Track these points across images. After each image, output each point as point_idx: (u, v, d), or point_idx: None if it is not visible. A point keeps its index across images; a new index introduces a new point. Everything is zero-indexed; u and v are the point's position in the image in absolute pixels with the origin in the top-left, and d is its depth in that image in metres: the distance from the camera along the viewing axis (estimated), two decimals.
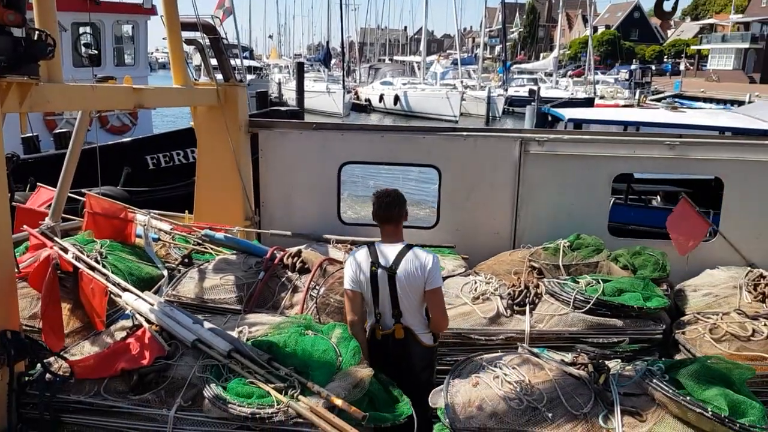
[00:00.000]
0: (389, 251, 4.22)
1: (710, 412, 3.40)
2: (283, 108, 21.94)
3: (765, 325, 4.90)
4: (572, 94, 47.18)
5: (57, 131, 12.91)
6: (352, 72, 62.60)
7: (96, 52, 14.05)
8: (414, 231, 7.62)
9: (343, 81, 46.44)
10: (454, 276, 5.97)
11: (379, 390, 3.86)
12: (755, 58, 62.31)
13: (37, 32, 3.58)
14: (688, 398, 3.49)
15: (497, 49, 63.83)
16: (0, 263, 3.69)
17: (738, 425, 3.39)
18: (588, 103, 46.14)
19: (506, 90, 49.02)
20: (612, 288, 5.20)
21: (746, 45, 63.46)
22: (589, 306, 4.97)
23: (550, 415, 3.49)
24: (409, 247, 4.25)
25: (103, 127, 14.85)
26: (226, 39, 8.72)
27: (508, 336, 4.99)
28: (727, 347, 4.73)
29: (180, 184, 10.91)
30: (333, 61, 57.38)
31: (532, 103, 31.18)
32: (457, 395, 3.72)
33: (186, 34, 7.04)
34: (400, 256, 4.18)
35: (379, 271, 4.17)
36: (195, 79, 7.40)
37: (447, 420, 3.60)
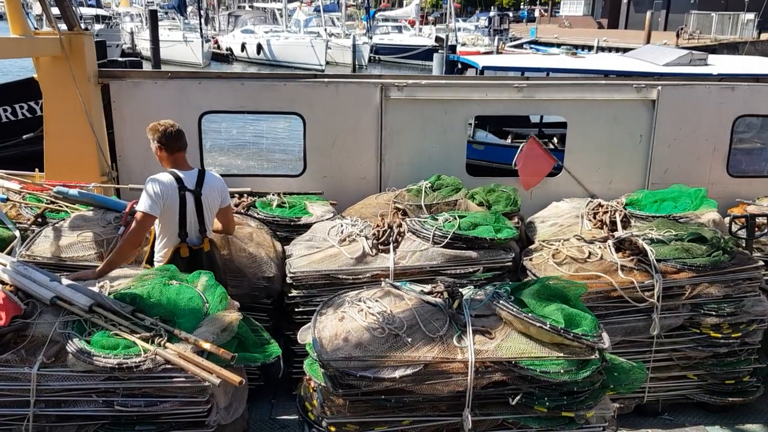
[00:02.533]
0: (189, 176, 4.71)
1: (548, 326, 3.79)
2: (121, 59, 20.59)
3: (599, 248, 5.45)
4: (434, 41, 48.02)
5: None
6: (210, 20, 59.93)
7: None
8: (281, 179, 7.67)
9: (201, 29, 44.48)
10: (322, 221, 6.12)
11: (248, 333, 3.96)
12: (603, 5, 66.02)
13: None
14: (530, 315, 3.87)
15: None
16: None
17: (572, 335, 3.82)
18: (450, 50, 47.30)
19: (371, 38, 49.06)
20: (467, 223, 5.56)
21: None
22: (446, 241, 5.29)
23: (409, 339, 3.76)
24: (202, 171, 4.84)
25: None
26: None
27: (374, 274, 5.23)
28: (567, 269, 5.23)
29: (8, 144, 10.21)
30: (189, 8, 54.55)
31: (440, 51, 31.37)
32: (324, 330, 3.90)
33: None
34: (200, 179, 4.73)
35: (187, 194, 4.63)
36: (36, 29, 6.88)
37: (315, 354, 3.77)
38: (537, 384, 3.78)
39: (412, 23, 56.80)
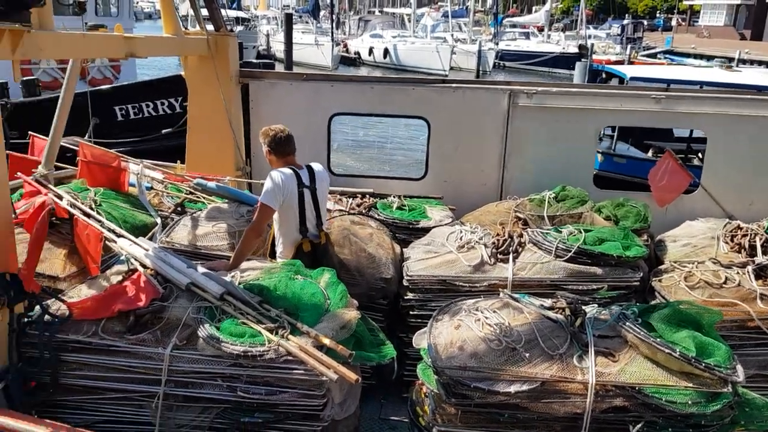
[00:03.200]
0: (303, 174, 4.86)
1: (678, 353, 3.59)
2: (255, 60, 21.60)
3: (738, 273, 5.08)
4: (564, 48, 46.84)
5: (25, 78, 12.77)
6: (341, 24, 61.63)
7: None
8: (403, 182, 7.76)
9: (332, 33, 45.80)
10: (441, 226, 6.12)
11: (365, 332, 4.03)
12: (746, 15, 61.76)
13: None
14: (658, 340, 3.68)
15: (489, 1, 62.89)
16: None
17: (704, 364, 3.59)
18: (579, 58, 45.93)
19: (497, 44, 48.56)
20: (593, 237, 5.36)
21: (738, 1, 62.83)
22: (570, 254, 5.13)
23: (527, 355, 3.68)
24: (309, 167, 4.95)
25: (83, 79, 14.65)
26: None
27: (491, 283, 5.16)
28: (700, 294, 4.92)
29: (147, 138, 10.87)
30: (322, 12, 56.38)
31: (583, 59, 30.76)
32: (440, 336, 3.90)
33: None
34: (312, 175, 4.89)
35: (305, 190, 4.80)
36: (186, 29, 7.36)
37: (429, 359, 3.77)
38: (661, 413, 3.59)
39: (541, 29, 55.68)
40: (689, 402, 3.54)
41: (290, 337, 3.64)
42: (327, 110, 7.25)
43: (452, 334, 3.93)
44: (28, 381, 3.83)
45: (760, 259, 5.31)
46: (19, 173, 5.81)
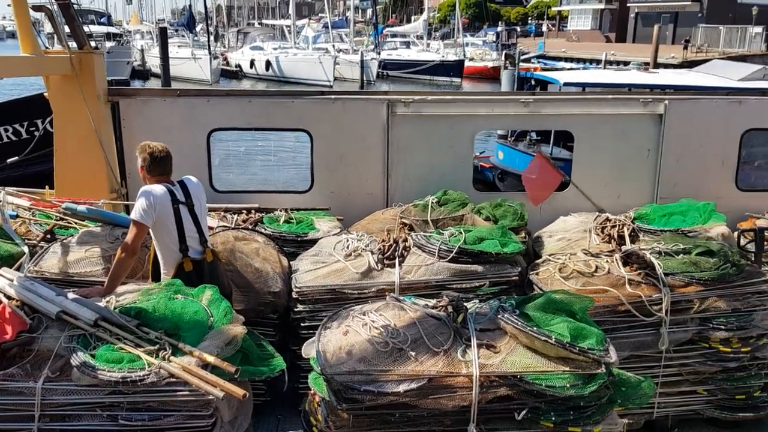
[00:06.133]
0: (176, 189, 4.72)
1: (554, 339, 3.77)
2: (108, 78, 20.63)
3: (607, 261, 5.41)
4: (443, 56, 48.33)
5: None
6: (220, 37, 60.58)
7: None
8: (289, 196, 7.71)
9: (209, 46, 45.01)
10: (328, 236, 6.14)
11: (252, 347, 3.96)
12: (610, 19, 66.19)
13: None
14: (535, 329, 3.86)
15: (369, 12, 63.90)
16: None
17: (578, 348, 3.80)
18: (459, 64, 47.58)
19: (379, 53, 49.43)
20: (473, 237, 5.54)
21: (602, 6, 67.22)
22: (452, 255, 5.29)
23: (413, 354, 3.75)
24: (182, 182, 4.83)
25: None
26: (78, 4, 8.26)
27: (379, 288, 5.23)
28: (574, 283, 5.19)
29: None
30: (199, 26, 55.19)
31: (508, 68, 31.31)
32: (328, 344, 3.90)
33: (33, 0, 6.64)
34: (186, 189, 4.76)
35: (180, 206, 4.67)
36: (47, 48, 6.97)
37: (319, 367, 3.77)
38: (543, 398, 3.75)
39: (420, 38, 57.11)
40: (567, 385, 3.72)
41: (172, 358, 3.52)
42: (205, 126, 7.09)
43: (340, 340, 3.94)
44: None
45: (627, 246, 5.69)
46: None
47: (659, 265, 5.15)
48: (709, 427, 5.37)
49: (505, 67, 32.70)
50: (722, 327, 5.04)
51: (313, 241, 6.07)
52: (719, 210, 6.35)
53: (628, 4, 62.72)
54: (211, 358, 3.50)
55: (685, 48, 47.15)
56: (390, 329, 3.89)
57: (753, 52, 43.06)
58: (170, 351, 3.56)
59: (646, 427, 5.34)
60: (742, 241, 6.33)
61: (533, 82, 16.55)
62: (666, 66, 36.71)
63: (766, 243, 6.24)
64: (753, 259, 6.04)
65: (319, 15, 68.34)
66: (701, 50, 46.80)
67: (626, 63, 44.46)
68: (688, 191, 7.03)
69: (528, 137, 16.17)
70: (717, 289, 5.06)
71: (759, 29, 45.78)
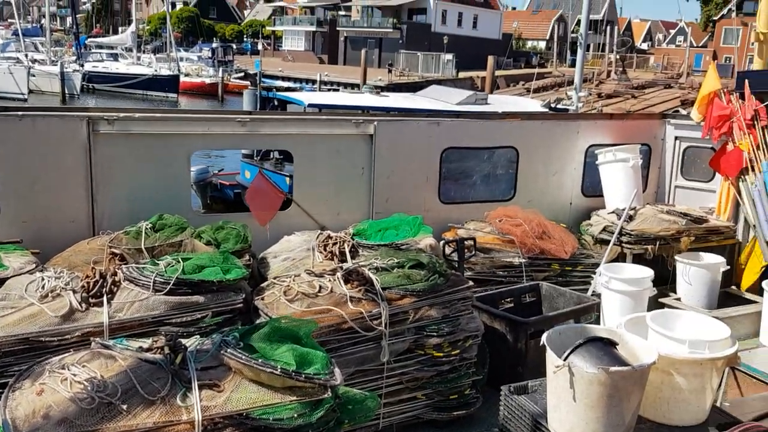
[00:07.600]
0: None
1: (279, 370, 3.64)
2: None
3: (329, 280, 5.48)
4: (156, 70, 46.33)
5: None
6: None
7: None
8: None
9: None
10: (19, 275, 5.28)
11: None
12: (322, 42, 69.67)
13: None
14: (260, 360, 3.69)
15: (69, 20, 58.53)
16: None
17: (303, 376, 3.71)
18: (174, 79, 45.94)
19: (82, 65, 45.69)
20: (192, 265, 5.18)
21: (314, 28, 70.48)
22: (169, 287, 4.88)
23: (125, 407, 3.32)
24: None
25: None
26: None
27: (84, 332, 4.58)
28: (299, 305, 5.14)
29: None
30: None
31: (250, 88, 29.90)
32: (18, 408, 3.28)
33: None
34: None
35: None
36: None
37: None
38: None
39: (130, 50, 54.04)
40: (295, 415, 3.61)
41: None
42: None
43: (34, 401, 3.34)
44: None
45: (348, 264, 5.83)
46: None
47: (377, 280, 5.36)
48: (430, 428, 5.72)
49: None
50: (435, 333, 5.41)
51: (0, 282, 5.17)
52: (426, 222, 6.86)
53: (337, 28, 66.72)
54: None
55: (390, 71, 51.73)
56: (96, 382, 3.40)
57: (446, 77, 48.86)
58: None
59: None
60: (447, 251, 6.92)
61: (276, 103, 16.75)
62: (376, 87, 39.99)
63: (466, 251, 6.92)
64: (456, 266, 6.64)
65: (9, 21, 60.76)
66: (404, 74, 51.77)
67: (341, 84, 47.18)
68: (399, 206, 7.50)
69: (273, 156, 16.17)
70: (428, 299, 5.42)
71: (450, 56, 52.18)
